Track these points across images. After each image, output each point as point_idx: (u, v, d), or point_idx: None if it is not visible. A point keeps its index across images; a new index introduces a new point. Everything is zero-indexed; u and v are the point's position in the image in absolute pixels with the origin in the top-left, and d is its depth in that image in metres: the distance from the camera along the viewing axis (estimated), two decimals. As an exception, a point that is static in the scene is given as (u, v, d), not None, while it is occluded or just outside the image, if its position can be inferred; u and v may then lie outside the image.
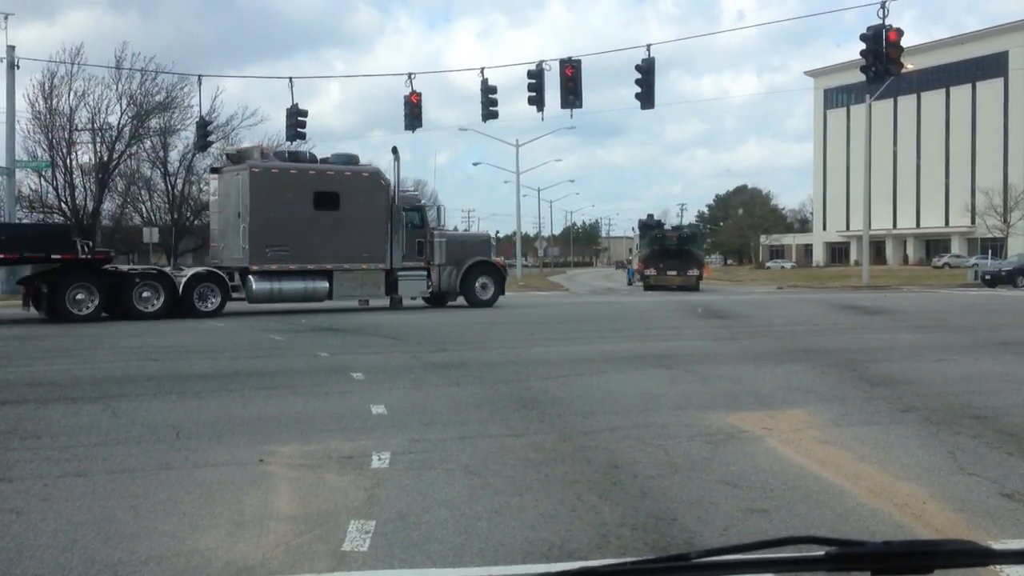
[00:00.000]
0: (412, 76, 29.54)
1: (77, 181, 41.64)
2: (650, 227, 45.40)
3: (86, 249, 22.13)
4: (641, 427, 7.76)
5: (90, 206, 41.75)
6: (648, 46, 25.97)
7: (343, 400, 9.39)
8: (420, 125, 30.14)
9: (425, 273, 25.93)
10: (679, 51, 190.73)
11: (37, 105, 39.50)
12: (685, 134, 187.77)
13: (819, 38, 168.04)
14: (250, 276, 23.26)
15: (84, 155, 41.85)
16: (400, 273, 25.28)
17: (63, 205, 41.27)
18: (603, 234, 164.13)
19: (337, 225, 24.06)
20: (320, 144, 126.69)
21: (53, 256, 21.37)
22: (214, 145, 40.77)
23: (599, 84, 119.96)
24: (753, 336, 16.98)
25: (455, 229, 27.31)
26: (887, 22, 21.58)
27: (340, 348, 14.77)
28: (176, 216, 45.46)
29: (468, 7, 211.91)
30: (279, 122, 32.69)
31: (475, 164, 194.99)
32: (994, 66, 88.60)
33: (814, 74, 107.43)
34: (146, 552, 4.56)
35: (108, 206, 45.13)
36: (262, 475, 6.13)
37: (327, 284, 24.17)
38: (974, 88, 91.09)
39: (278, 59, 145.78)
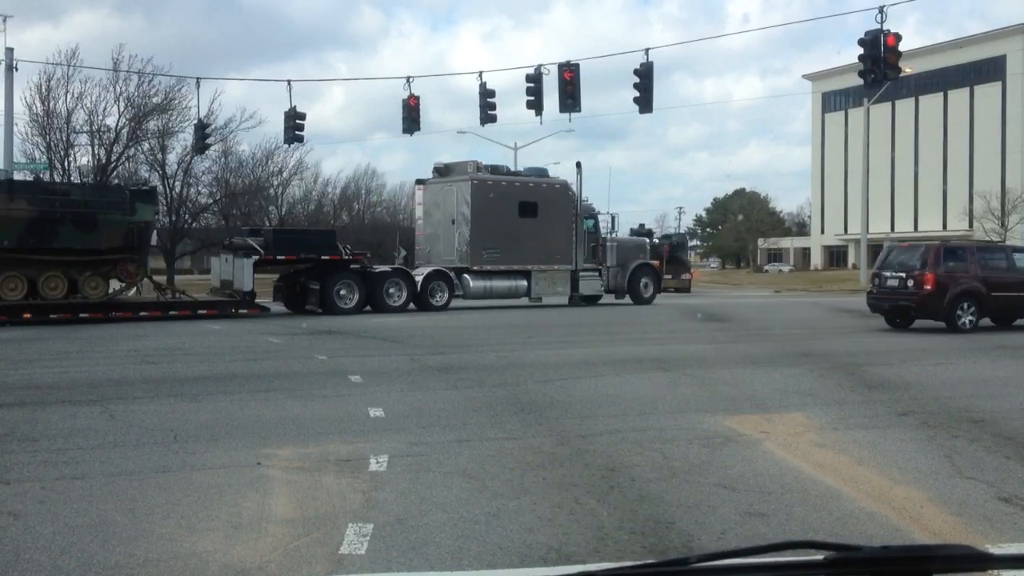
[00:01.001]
0: (410, 79, 29.56)
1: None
2: (642, 235, 46.62)
3: (347, 252, 25.22)
4: (639, 430, 7.76)
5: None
6: (647, 50, 25.99)
7: (341, 403, 9.38)
8: (418, 128, 30.14)
9: (598, 274, 29.30)
10: (682, 54, 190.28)
11: (34, 107, 39.47)
12: (686, 137, 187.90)
13: (823, 42, 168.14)
14: (467, 275, 26.61)
15: (82, 157, 41.80)
16: (581, 273, 28.60)
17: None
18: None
19: (535, 231, 27.53)
20: (321, 145, 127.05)
21: (323, 257, 24.50)
22: (212, 147, 40.75)
23: (601, 87, 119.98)
24: (751, 340, 16.99)
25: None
26: (885, 27, 21.61)
27: (338, 351, 14.76)
28: (175, 218, 45.41)
29: (472, 10, 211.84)
30: (278, 124, 32.63)
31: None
32: (992, 70, 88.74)
33: (812, 78, 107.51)
34: (143, 555, 4.56)
35: (106, 208, 45.05)
36: (260, 478, 6.12)
37: (526, 283, 27.67)
38: (972, 92, 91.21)
39: (282, 61, 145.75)
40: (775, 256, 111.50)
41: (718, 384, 10.67)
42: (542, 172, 29.19)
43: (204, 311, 23.12)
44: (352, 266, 24.99)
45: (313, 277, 24.52)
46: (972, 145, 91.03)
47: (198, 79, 32.21)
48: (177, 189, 45.68)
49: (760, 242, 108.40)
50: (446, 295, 26.06)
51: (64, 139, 39.87)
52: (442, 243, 27.49)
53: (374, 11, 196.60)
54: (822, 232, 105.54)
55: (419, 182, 29.26)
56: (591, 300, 29.32)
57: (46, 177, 38.57)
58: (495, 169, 28.05)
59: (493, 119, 29.15)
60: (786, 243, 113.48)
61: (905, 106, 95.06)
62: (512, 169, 29.14)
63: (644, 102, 26.28)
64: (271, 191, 54.91)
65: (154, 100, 41.23)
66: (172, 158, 45.13)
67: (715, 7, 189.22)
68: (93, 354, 14.47)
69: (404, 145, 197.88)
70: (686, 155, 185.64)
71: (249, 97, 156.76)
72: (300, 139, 32.57)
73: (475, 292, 26.72)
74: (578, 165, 29.29)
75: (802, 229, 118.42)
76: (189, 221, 46.58)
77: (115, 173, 41.79)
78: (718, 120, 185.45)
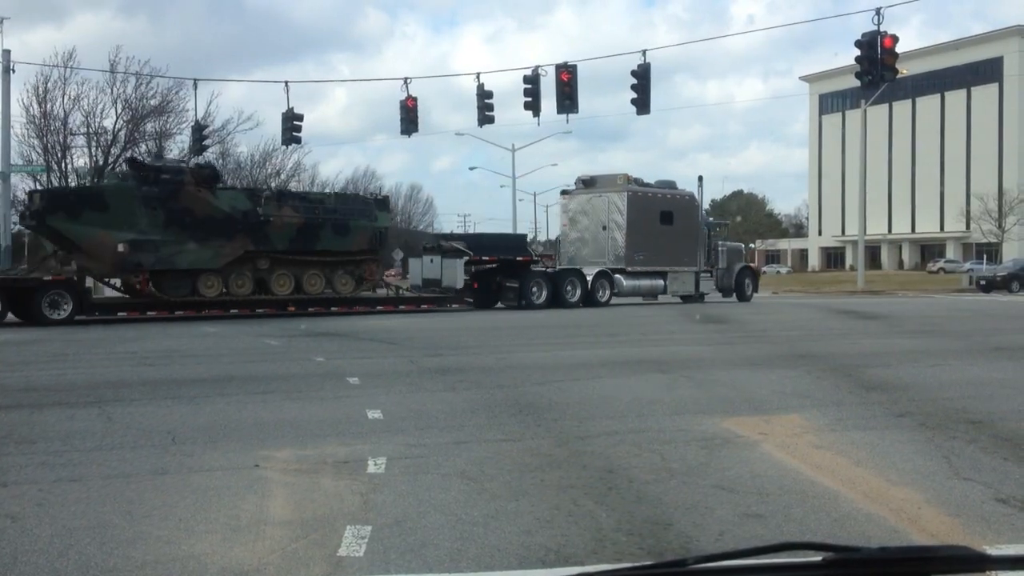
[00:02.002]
0: (408, 81, 29.60)
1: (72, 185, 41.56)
2: None
3: (535, 254, 30.11)
4: (637, 432, 7.76)
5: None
6: (644, 51, 26.03)
7: (339, 405, 9.37)
8: (416, 130, 30.21)
9: (711, 274, 33.19)
10: (685, 56, 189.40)
11: (31, 109, 39.44)
12: (687, 139, 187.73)
13: (827, 43, 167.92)
14: (619, 276, 30.20)
15: (79, 159, 41.77)
16: (701, 274, 32.56)
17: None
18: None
19: (671, 237, 31.26)
20: (324, 146, 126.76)
21: (518, 258, 28.82)
22: (209, 149, 40.72)
23: (602, 89, 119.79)
24: (749, 341, 17.00)
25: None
26: (882, 29, 21.64)
27: (336, 353, 14.76)
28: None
29: (476, 12, 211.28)
30: (278, 125, 32.61)
31: (471, 168, 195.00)
32: (988, 71, 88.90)
33: (809, 80, 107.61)
34: (141, 557, 4.55)
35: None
36: (258, 480, 6.12)
37: (663, 282, 31.52)
38: (969, 93, 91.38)
39: (286, 63, 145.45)
40: (773, 257, 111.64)
41: (716, 386, 10.67)
42: (671, 184, 32.73)
43: (425, 305, 27.84)
44: (536, 267, 29.16)
45: (510, 276, 28.48)
46: (969, 146, 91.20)
47: (195, 80, 32.28)
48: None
49: (758, 243, 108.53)
50: (607, 292, 29.70)
51: (61, 141, 39.84)
52: (590, 247, 31.15)
53: (378, 13, 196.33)
54: (819, 233, 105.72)
55: (563, 192, 32.64)
56: (701, 298, 33.11)
57: (43, 179, 38.55)
58: (638, 182, 31.34)
59: (491, 120, 29.22)
60: (784, 244, 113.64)
61: (902, 108, 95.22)
62: (646, 181, 31.99)
63: (641, 103, 26.33)
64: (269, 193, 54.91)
65: (151, 102, 41.24)
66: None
67: (720, 9, 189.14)
68: (90, 356, 14.46)
69: (404, 146, 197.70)
70: (687, 157, 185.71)
71: (251, 99, 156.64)
72: (298, 140, 32.63)
73: (626, 290, 30.51)
74: (700, 179, 35.83)
75: (800, 231, 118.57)
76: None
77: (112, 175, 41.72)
78: (720, 122, 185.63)
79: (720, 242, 34.36)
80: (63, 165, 40.37)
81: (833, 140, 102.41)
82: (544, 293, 28.15)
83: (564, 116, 27.46)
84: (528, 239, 31.45)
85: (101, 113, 40.65)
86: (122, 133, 41.14)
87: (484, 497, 5.65)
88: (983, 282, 46.28)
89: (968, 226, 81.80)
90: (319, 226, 25.13)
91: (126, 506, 5.48)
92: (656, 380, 11.17)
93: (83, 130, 40.41)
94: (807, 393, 10.10)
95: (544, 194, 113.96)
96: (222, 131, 44.76)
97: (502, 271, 28.66)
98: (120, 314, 23.90)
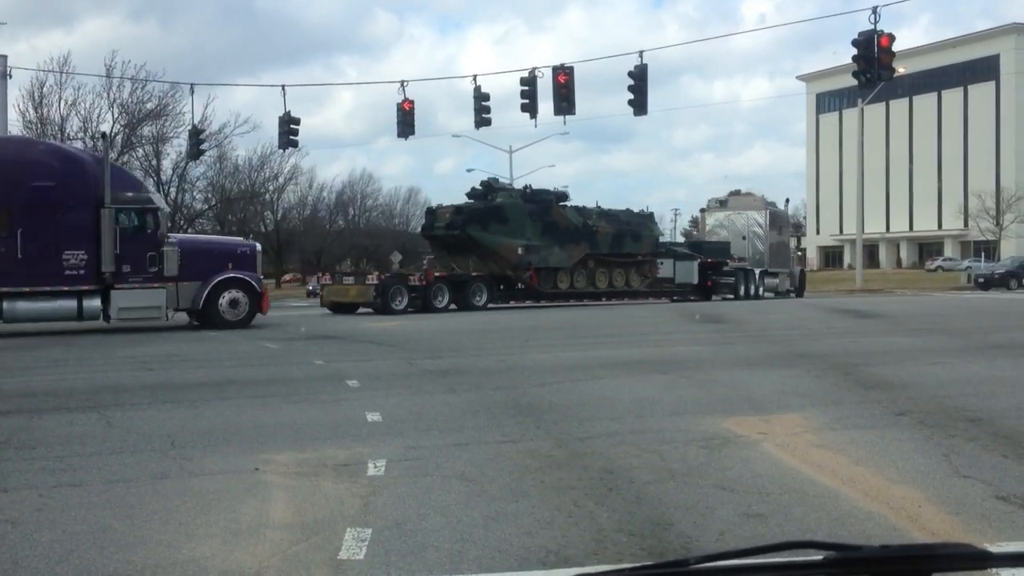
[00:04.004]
0: (405, 83, 29.64)
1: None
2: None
3: (734, 258, 37.12)
4: (637, 432, 7.76)
5: None
6: (640, 52, 26.04)
7: (338, 408, 9.37)
8: (412, 133, 30.27)
9: (788, 274, 40.81)
10: (690, 57, 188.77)
11: (28, 114, 39.41)
12: (691, 139, 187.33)
13: (834, 42, 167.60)
14: (759, 273, 37.94)
15: (77, 164, 41.63)
16: (781, 274, 40.13)
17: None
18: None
19: (778, 244, 39.89)
20: (327, 150, 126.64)
21: (728, 260, 36.71)
22: (207, 153, 40.72)
23: (607, 89, 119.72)
24: (748, 341, 17.00)
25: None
26: (888, 27, 21.65)
27: (335, 356, 14.74)
28: (170, 225, 45.38)
29: (485, 14, 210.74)
30: (274, 129, 32.60)
31: (469, 171, 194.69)
32: (985, 69, 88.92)
33: (806, 79, 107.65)
34: (142, 562, 4.55)
35: (102, 214, 44.96)
36: (258, 484, 6.11)
37: (778, 280, 39.46)
38: (966, 92, 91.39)
39: (293, 66, 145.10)
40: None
41: (715, 385, 10.67)
42: (775, 204, 41.47)
43: (676, 297, 34.95)
44: (729, 266, 36.51)
45: (726, 274, 36.38)
46: (967, 144, 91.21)
47: (192, 85, 32.22)
48: (172, 195, 45.66)
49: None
50: (762, 288, 37.86)
51: (59, 146, 39.71)
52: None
53: (388, 15, 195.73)
54: (817, 233, 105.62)
55: (703, 210, 41.87)
56: (796, 293, 40.71)
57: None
58: (766, 202, 40.68)
59: (488, 122, 29.24)
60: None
61: (899, 106, 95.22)
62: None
63: (639, 104, 26.34)
64: (266, 196, 54.91)
65: (148, 106, 41.22)
66: (167, 164, 45.15)
67: (729, 9, 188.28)
68: (90, 361, 14.45)
69: (406, 149, 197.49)
70: (690, 157, 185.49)
71: (257, 102, 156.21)
72: (295, 144, 32.65)
73: (768, 287, 38.42)
74: (787, 201, 44.04)
75: (797, 230, 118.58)
76: (184, 227, 46.59)
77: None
78: (724, 122, 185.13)
79: (793, 247, 42.88)
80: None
81: (830, 139, 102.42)
82: (742, 287, 36.48)
83: (572, 116, 27.50)
84: (730, 246, 38.40)
85: (98, 117, 40.65)
86: (119, 137, 41.10)
87: (484, 499, 5.65)
88: (981, 280, 46.34)
89: (966, 224, 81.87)
90: (623, 235, 33.15)
91: (126, 511, 5.47)
92: (655, 380, 11.17)
93: (80, 135, 40.38)
94: (806, 392, 10.10)
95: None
96: (219, 135, 44.74)
97: (721, 270, 36.42)
98: (511, 303, 31.43)
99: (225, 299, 21.13)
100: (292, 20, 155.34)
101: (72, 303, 19.64)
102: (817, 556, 1.44)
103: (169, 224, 44.80)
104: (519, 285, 30.88)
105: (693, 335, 18.77)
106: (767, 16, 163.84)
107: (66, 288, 19.61)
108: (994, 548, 4.37)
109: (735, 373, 11.80)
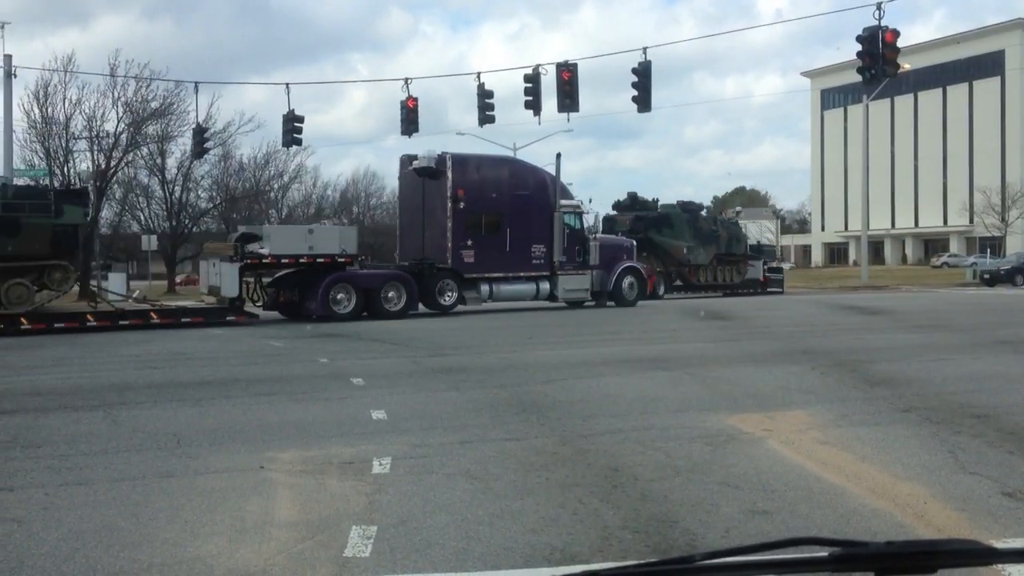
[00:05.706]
0: (408, 81, 29.63)
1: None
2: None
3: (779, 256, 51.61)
4: (641, 430, 7.76)
5: (88, 214, 41.50)
6: (644, 49, 25.99)
7: (343, 406, 9.38)
8: (416, 130, 30.24)
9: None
10: (704, 52, 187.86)
11: (32, 114, 39.38)
12: (700, 136, 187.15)
13: (842, 38, 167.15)
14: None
15: (82, 163, 41.72)
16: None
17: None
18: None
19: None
20: (336, 147, 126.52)
21: (768, 259, 44.48)
22: (211, 151, 40.71)
23: (616, 86, 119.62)
24: (752, 337, 16.98)
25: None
26: (902, 22, 21.58)
27: (339, 354, 14.76)
28: (175, 223, 45.42)
29: (501, 11, 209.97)
30: (277, 128, 32.62)
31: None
32: (990, 65, 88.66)
33: (811, 75, 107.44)
34: (148, 560, 4.56)
35: (106, 214, 45.03)
36: (263, 482, 6.12)
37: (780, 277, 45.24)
38: (971, 87, 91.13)
39: (307, 64, 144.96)
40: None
41: (720, 382, 10.66)
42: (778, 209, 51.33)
43: (749, 291, 40.32)
44: (774, 264, 45.15)
45: (775, 271, 43.44)
46: (972, 140, 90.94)
47: (196, 83, 32.18)
48: (177, 194, 45.70)
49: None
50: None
51: (63, 145, 39.80)
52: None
53: (402, 12, 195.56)
54: (822, 229, 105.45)
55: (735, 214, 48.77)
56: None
57: (46, 183, 38.54)
58: (775, 210, 48.93)
59: (492, 120, 29.18)
60: (787, 240, 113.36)
61: (904, 102, 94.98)
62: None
63: (642, 101, 26.27)
64: (271, 195, 54.93)
65: (152, 105, 41.20)
66: (171, 162, 45.17)
67: (745, 4, 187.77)
68: (95, 360, 14.48)
69: (415, 147, 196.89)
70: (699, 153, 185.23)
71: (266, 101, 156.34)
72: (298, 142, 32.62)
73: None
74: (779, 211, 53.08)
75: (803, 226, 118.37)
76: (189, 226, 46.62)
77: (115, 178, 41.80)
78: (734, 118, 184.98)
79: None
80: (65, 169, 40.34)
81: (835, 135, 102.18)
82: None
83: (579, 114, 27.70)
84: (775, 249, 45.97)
85: (103, 116, 40.62)
86: (124, 136, 41.09)
87: (489, 496, 5.65)
88: (987, 276, 46.21)
89: (971, 220, 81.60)
90: (732, 239, 39.96)
91: (132, 509, 5.48)
92: (659, 377, 11.16)
93: (85, 134, 40.36)
94: (811, 389, 10.09)
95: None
96: (223, 133, 44.71)
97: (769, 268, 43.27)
98: (677, 295, 37.26)
99: (625, 283, 27.37)
100: (307, 18, 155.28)
101: (532, 286, 25.34)
102: (823, 552, 1.43)
103: (174, 222, 45.16)
104: (676, 281, 37.50)
105: (697, 331, 18.75)
106: (783, 11, 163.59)
107: (533, 274, 25.39)
108: (1000, 544, 4.37)
109: (739, 370, 11.79)
